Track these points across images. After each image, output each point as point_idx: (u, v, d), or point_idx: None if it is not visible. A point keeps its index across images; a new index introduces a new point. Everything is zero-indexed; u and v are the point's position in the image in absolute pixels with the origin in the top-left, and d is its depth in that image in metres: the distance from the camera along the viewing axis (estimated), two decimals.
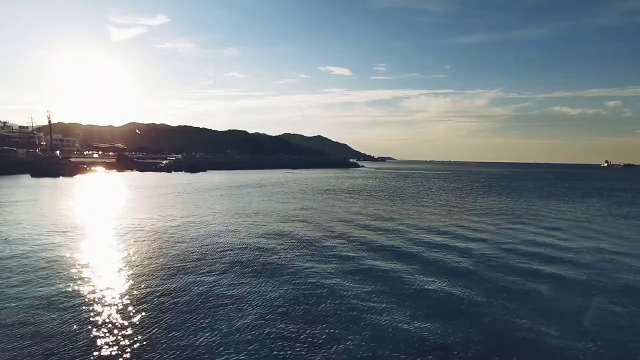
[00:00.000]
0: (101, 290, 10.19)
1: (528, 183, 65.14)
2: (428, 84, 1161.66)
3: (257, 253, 14.32)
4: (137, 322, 8.34)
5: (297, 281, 11.22)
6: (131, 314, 8.78)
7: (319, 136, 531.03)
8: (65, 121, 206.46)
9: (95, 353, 7.11)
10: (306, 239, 16.70)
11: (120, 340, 7.57)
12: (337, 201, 32.14)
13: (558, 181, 73.48)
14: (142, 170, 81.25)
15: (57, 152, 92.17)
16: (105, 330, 7.95)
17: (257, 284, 10.89)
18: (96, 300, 9.54)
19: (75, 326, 8.08)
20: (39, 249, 14.26)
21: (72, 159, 77.64)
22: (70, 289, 10.20)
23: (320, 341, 7.66)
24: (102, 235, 17.15)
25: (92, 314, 8.72)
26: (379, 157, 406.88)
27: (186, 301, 9.54)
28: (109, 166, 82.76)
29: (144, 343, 7.48)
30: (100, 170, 77.31)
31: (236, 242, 15.93)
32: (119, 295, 9.86)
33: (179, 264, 12.65)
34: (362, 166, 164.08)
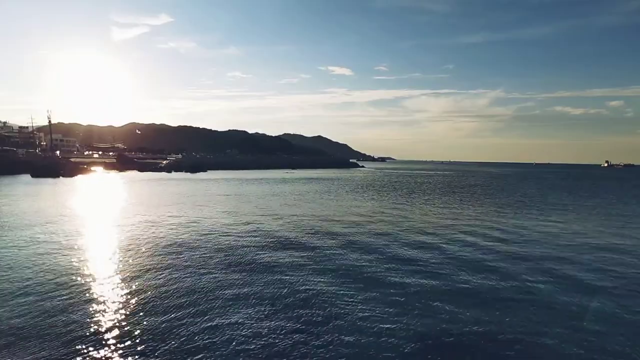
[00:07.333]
0: (101, 292, 10.01)
1: (531, 182, 65.03)
2: (430, 84, 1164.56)
3: (260, 251, 14.16)
4: (138, 323, 8.16)
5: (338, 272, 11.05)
6: (131, 315, 8.60)
7: (319, 136, 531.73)
8: (66, 121, 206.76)
9: (95, 353, 6.94)
10: (323, 234, 16.55)
11: (120, 341, 7.40)
12: (352, 200, 31.98)
13: (560, 180, 73.36)
14: (142, 170, 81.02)
15: (57, 152, 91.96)
16: (104, 331, 7.77)
17: (268, 279, 10.73)
18: (96, 301, 9.36)
19: (75, 326, 7.90)
20: (39, 249, 14.07)
21: (72, 159, 77.35)
22: (71, 290, 10.01)
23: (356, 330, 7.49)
24: (104, 235, 16.98)
25: (91, 314, 8.55)
26: (378, 157, 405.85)
27: (193, 300, 9.36)
28: (109, 166, 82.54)
29: (146, 342, 7.31)
30: (100, 170, 77.08)
31: (235, 239, 15.76)
32: (119, 296, 9.68)
33: (185, 263, 12.47)
34: (362, 166, 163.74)
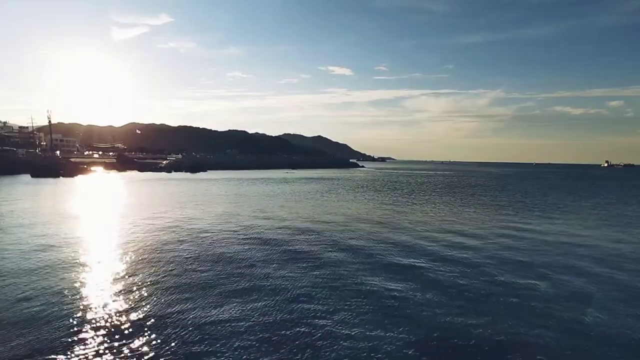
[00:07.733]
0: (102, 291, 10.00)
1: (531, 182, 65.01)
2: (430, 84, 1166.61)
3: (262, 251, 14.17)
4: (138, 320, 8.17)
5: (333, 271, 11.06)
6: (131, 311, 8.60)
7: (318, 136, 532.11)
8: (66, 121, 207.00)
9: (95, 350, 6.95)
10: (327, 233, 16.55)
11: (120, 338, 7.40)
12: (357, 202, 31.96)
13: (560, 180, 73.35)
14: (141, 170, 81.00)
15: (57, 152, 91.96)
16: (105, 329, 7.77)
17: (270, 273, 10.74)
18: (97, 300, 9.35)
19: (76, 324, 7.90)
20: (39, 249, 14.06)
21: (72, 159, 77.35)
22: (71, 289, 10.01)
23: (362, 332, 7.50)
24: (104, 235, 16.97)
25: (93, 312, 8.54)
26: (378, 157, 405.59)
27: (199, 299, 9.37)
28: (109, 166, 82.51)
29: (148, 343, 7.31)
30: (100, 170, 77.08)
31: (235, 241, 15.78)
32: (119, 293, 9.68)
33: (186, 261, 12.47)
34: (362, 166, 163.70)
